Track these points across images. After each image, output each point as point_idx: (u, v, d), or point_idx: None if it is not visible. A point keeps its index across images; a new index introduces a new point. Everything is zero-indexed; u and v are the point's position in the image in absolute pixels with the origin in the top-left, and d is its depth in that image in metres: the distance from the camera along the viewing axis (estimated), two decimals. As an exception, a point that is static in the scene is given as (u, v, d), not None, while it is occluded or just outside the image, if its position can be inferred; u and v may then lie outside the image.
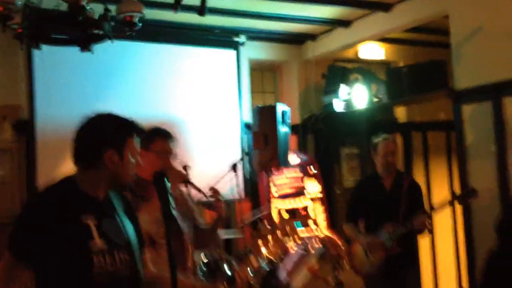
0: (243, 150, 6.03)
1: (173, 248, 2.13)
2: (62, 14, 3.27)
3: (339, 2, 5.48)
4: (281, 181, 6.02)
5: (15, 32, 3.49)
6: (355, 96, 6.14)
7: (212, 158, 5.69)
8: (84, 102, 5.14)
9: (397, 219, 4.24)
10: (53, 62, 4.91)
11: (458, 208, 5.24)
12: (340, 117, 6.35)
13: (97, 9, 3.54)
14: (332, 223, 6.19)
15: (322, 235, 5.07)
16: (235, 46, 6.16)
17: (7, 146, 5.22)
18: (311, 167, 6.31)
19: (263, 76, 7.11)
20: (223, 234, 4.98)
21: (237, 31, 6.15)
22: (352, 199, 4.75)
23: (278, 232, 4.43)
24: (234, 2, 5.33)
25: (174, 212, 2.14)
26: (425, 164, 6.36)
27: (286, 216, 5.93)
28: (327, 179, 6.49)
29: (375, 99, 6.02)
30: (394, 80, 5.71)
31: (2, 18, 3.24)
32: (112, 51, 5.05)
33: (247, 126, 6.04)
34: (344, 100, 6.24)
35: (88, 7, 3.33)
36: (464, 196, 4.39)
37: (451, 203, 4.44)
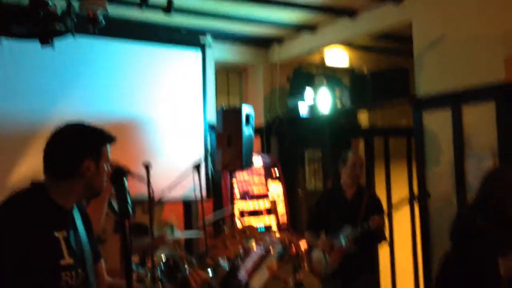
0: (206, 150, 6.03)
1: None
2: (23, 8, 3.22)
3: (305, 7, 5.53)
4: (244, 182, 6.05)
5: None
6: (319, 100, 6.20)
7: (175, 157, 5.67)
8: (44, 99, 5.06)
9: (355, 224, 4.38)
10: (14, 57, 4.81)
11: (417, 215, 5.35)
12: (304, 120, 6.41)
13: (60, 5, 3.50)
14: (294, 225, 6.25)
15: (283, 236, 5.10)
16: (201, 47, 6.15)
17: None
18: (275, 169, 6.36)
19: (228, 77, 7.12)
20: (185, 234, 4.97)
21: (203, 32, 6.15)
22: (314, 210, 4.87)
23: (239, 233, 4.46)
24: (202, 2, 5.31)
25: (130, 210, 2.13)
26: (386, 168, 6.47)
27: (248, 217, 5.96)
28: (290, 182, 6.54)
29: (339, 104, 6.10)
30: (358, 86, 5.79)
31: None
32: (76, 48, 5.01)
33: (211, 126, 6.03)
34: (309, 105, 6.30)
35: (50, 2, 3.29)
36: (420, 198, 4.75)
37: (410, 202, 4.73)
